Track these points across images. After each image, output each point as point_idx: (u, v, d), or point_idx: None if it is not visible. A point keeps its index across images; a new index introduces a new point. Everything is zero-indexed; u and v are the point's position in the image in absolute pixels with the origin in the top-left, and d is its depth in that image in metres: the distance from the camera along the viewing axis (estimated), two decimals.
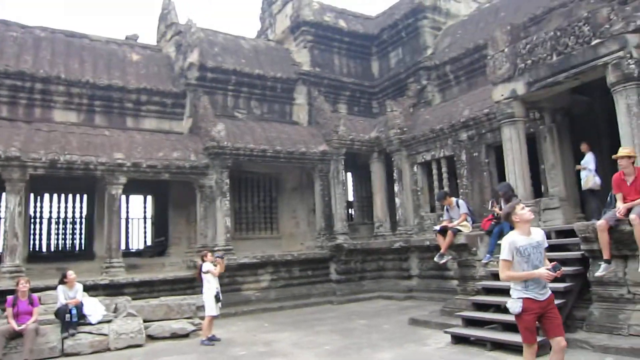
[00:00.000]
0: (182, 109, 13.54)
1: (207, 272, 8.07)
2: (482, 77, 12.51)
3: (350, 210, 15.71)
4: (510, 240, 4.15)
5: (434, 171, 12.70)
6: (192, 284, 10.69)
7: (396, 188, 13.49)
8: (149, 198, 14.84)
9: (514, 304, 4.12)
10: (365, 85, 16.33)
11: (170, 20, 14.46)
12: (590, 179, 8.62)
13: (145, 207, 14.89)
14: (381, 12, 17.58)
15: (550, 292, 4.18)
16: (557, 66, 7.79)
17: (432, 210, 12.98)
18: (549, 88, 8.18)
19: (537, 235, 4.26)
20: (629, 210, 5.92)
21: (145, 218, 14.90)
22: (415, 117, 13.85)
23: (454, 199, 9.19)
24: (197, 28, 13.72)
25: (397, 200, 13.44)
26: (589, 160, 8.77)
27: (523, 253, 4.10)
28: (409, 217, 13.23)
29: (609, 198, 6.77)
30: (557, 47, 7.83)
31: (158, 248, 13.75)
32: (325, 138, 13.94)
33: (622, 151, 6.35)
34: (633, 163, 6.27)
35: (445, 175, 12.35)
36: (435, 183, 12.65)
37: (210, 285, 8.08)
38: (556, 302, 4.38)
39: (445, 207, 9.19)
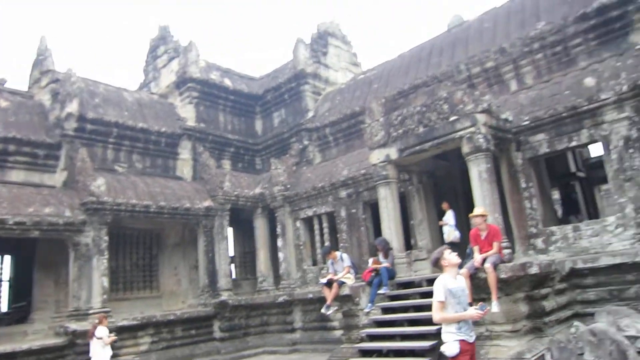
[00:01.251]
0: (56, 160, 12.72)
1: (100, 338, 7.58)
2: (358, 140, 13.85)
3: (232, 266, 15.70)
4: (443, 283, 4.43)
5: (316, 226, 13.42)
6: (63, 353, 9.79)
7: (279, 243, 13.92)
8: (7, 258, 13.34)
9: (451, 347, 4.32)
10: (249, 143, 16.88)
11: (47, 67, 13.75)
12: (451, 233, 9.93)
13: (1, 268, 13.32)
14: (265, 75, 18.57)
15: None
16: (423, 136, 9.08)
17: (314, 263, 13.59)
18: (417, 154, 9.43)
19: (461, 280, 4.67)
20: (484, 260, 7.02)
21: (1, 280, 13.29)
22: (297, 175, 14.64)
23: (338, 253, 9.87)
24: (78, 77, 13.24)
25: (280, 254, 13.84)
26: (449, 217, 10.12)
27: (455, 295, 4.41)
28: (292, 271, 13.66)
29: (468, 250, 7.93)
30: (423, 120, 9.15)
31: (18, 314, 12.32)
32: (210, 194, 14.02)
33: (476, 211, 7.57)
34: (485, 220, 7.49)
35: (326, 230, 13.11)
36: (317, 237, 13.35)
37: (104, 353, 7.57)
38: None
39: (330, 261, 9.81)
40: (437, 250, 4.84)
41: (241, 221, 15.40)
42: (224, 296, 13.17)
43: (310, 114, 15.91)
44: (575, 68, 9.94)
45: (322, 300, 9.91)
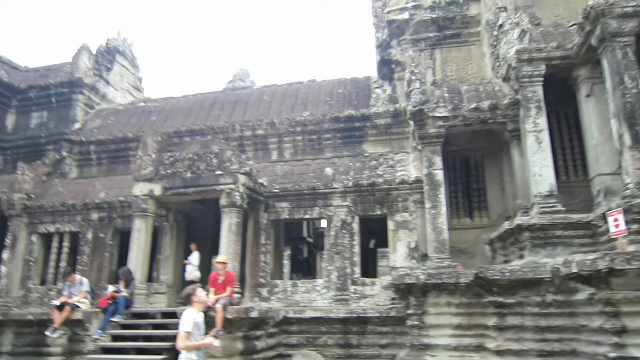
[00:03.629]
0: None
1: None
2: (123, 165, 13.84)
3: None
4: (192, 316, 5.31)
5: (55, 244, 12.62)
6: None
7: (4, 255, 12.54)
8: None
9: None
10: None
11: None
12: (192, 272, 10.83)
13: None
14: (32, 68, 16.91)
15: None
16: (190, 181, 9.98)
17: (43, 283, 12.62)
18: (180, 196, 10.23)
19: (202, 314, 5.55)
20: (217, 301, 8.10)
21: None
22: (47, 186, 13.61)
23: (77, 276, 9.67)
24: None
25: (2, 268, 12.44)
26: (194, 257, 11.04)
27: (199, 327, 5.35)
28: (14, 288, 12.39)
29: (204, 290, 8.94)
30: (192, 167, 10.08)
31: None
32: None
33: (219, 258, 8.72)
34: (225, 267, 8.67)
35: (66, 250, 12.46)
36: (53, 256, 12.53)
37: None
38: None
39: (67, 283, 9.52)
40: (191, 287, 5.73)
41: None
42: None
43: (77, 126, 15.15)
44: (322, 156, 12.38)
45: (43, 323, 9.45)
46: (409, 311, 8.58)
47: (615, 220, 6.50)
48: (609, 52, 7.65)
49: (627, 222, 6.57)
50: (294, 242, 14.21)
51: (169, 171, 10.19)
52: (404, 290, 8.64)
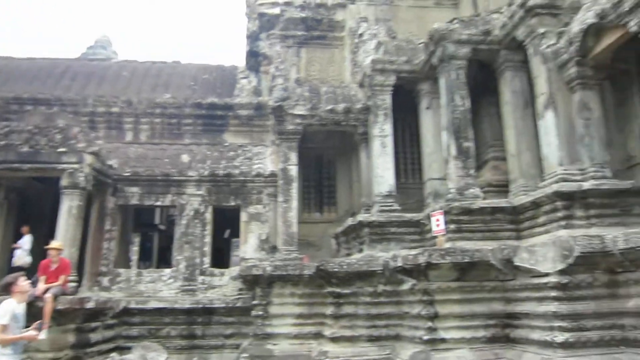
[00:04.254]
0: None
1: None
2: None
3: None
4: (10, 308, 4.70)
5: None
6: None
7: None
8: None
9: None
10: None
11: None
12: (22, 257, 9.78)
13: None
14: None
15: None
16: (26, 156, 8.99)
17: None
18: (14, 172, 9.17)
19: (23, 305, 4.96)
20: (47, 290, 7.45)
21: None
22: None
23: None
24: None
25: None
26: (26, 241, 9.98)
27: (18, 319, 4.75)
28: None
29: (34, 278, 8.14)
30: (31, 141, 9.09)
31: None
32: None
33: (53, 244, 8.02)
34: (59, 253, 8.00)
35: None
36: None
37: None
38: None
39: None
40: (12, 276, 5.18)
41: None
42: None
43: None
44: (181, 142, 11.98)
45: None
46: (255, 302, 8.78)
47: (437, 220, 7.39)
48: (445, 72, 8.63)
49: (447, 222, 7.51)
50: (145, 230, 13.61)
51: (2, 142, 9.06)
52: (251, 281, 8.81)
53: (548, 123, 7.37)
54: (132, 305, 9.17)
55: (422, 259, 6.64)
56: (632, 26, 6.22)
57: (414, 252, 6.91)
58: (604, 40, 6.96)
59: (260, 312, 8.70)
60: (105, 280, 9.82)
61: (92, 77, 13.44)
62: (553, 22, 7.67)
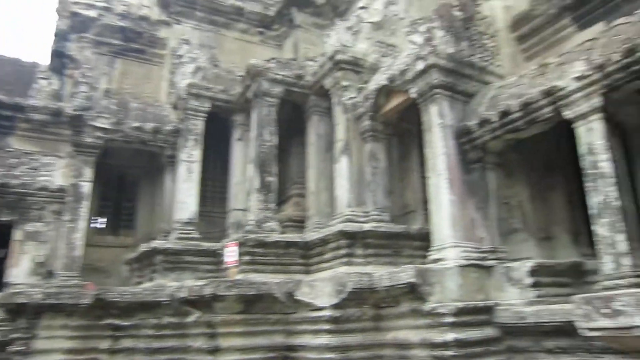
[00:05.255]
0: None
1: None
2: None
3: None
4: None
5: None
6: None
7: None
8: None
9: None
10: None
11: None
12: None
13: None
14: None
15: None
16: None
17: None
18: None
19: None
20: None
21: None
22: None
23: None
24: None
25: None
26: None
27: None
28: None
29: None
30: None
31: None
32: None
33: None
34: None
35: None
36: None
37: None
38: None
39: None
40: None
41: None
42: None
43: None
44: None
45: None
46: (16, 335, 7.53)
47: (231, 251, 7.35)
48: (258, 107, 8.86)
49: (242, 254, 7.52)
50: None
51: None
52: (14, 310, 7.55)
53: (342, 167, 8.00)
54: None
55: (207, 290, 6.47)
56: (413, 93, 7.18)
57: (200, 282, 6.71)
58: (392, 101, 7.89)
59: (22, 348, 7.47)
60: None
61: None
62: (356, 78, 8.48)
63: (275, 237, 7.82)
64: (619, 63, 5.15)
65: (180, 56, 10.34)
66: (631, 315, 2.60)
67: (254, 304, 6.77)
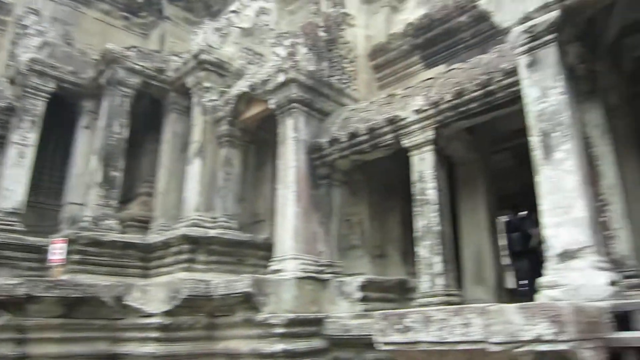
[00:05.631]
0: None
1: None
2: None
3: None
4: None
5: None
6: None
7: None
8: None
9: None
10: None
11: None
12: None
13: None
14: None
15: None
16: None
17: None
18: None
19: None
20: None
21: None
22: None
23: None
24: None
25: None
26: None
27: None
28: None
29: None
30: None
31: None
32: None
33: None
34: None
35: None
36: None
37: None
38: None
39: None
40: None
41: None
42: None
43: None
44: None
45: None
46: None
47: (58, 248, 6.67)
48: (110, 95, 8.24)
49: (72, 252, 6.86)
50: None
51: None
52: None
53: (194, 169, 7.77)
54: None
55: (21, 290, 5.75)
56: (272, 104, 7.26)
57: (12, 281, 5.96)
58: (253, 109, 7.89)
59: None
60: None
61: None
62: (219, 81, 8.33)
63: (113, 236, 7.29)
64: (449, 102, 5.76)
65: (25, 26, 9.20)
66: (418, 331, 2.88)
67: (78, 307, 6.20)
